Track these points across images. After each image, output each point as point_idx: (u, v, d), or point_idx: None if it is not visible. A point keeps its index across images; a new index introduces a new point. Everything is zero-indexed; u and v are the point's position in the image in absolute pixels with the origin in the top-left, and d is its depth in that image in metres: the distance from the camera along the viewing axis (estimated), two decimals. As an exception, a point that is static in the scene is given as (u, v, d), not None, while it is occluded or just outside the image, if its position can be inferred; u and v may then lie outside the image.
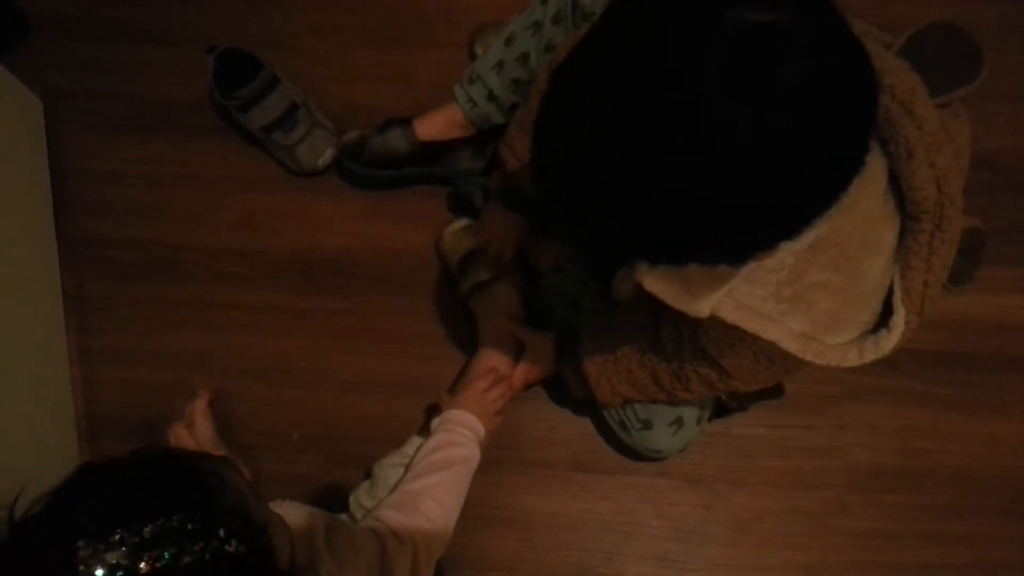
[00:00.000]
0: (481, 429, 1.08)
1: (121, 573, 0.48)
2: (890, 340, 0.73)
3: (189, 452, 0.59)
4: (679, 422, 1.14)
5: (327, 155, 1.30)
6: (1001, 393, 1.29)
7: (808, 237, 0.65)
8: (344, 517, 1.05)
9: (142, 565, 0.48)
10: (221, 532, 0.51)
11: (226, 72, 1.26)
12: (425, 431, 1.11)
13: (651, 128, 0.52)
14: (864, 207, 0.70)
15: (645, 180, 0.53)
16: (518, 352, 1.20)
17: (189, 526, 0.50)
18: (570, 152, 0.57)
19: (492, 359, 1.19)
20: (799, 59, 0.50)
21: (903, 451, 1.28)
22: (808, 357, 0.73)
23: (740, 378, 0.89)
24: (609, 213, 0.57)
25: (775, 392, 1.25)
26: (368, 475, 1.16)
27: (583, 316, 1.18)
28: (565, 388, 1.18)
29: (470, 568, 1.25)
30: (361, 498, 1.10)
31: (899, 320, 0.72)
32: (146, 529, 0.49)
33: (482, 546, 1.25)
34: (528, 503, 1.27)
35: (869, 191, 0.70)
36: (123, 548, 0.48)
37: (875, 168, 0.70)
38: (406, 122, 1.26)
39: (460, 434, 1.06)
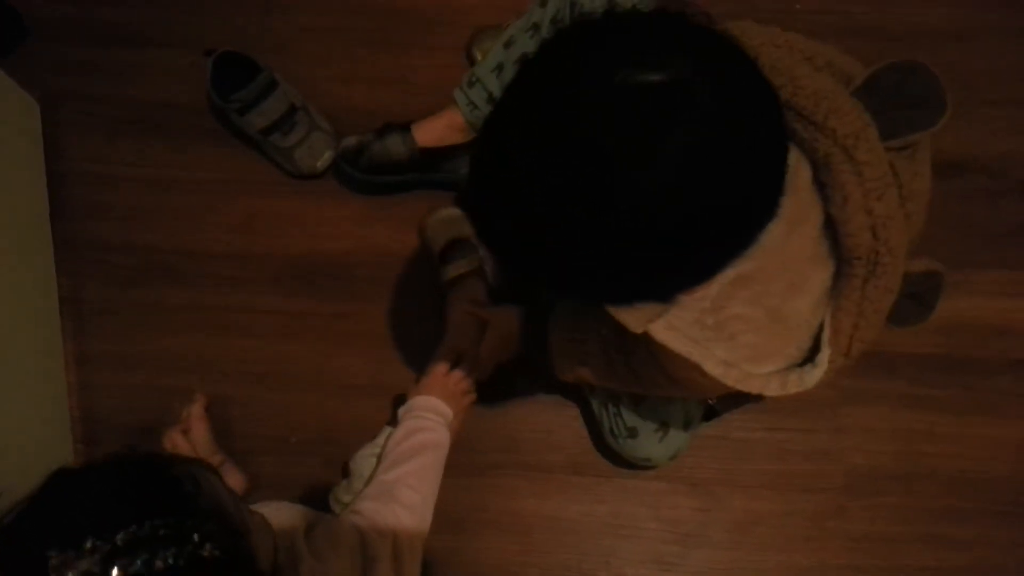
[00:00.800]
0: (448, 411, 1.08)
1: None
2: (813, 376, 0.73)
3: (165, 456, 0.58)
4: (664, 428, 1.15)
5: (325, 158, 1.30)
6: (999, 397, 1.29)
7: (730, 272, 0.65)
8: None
9: (114, 572, 0.47)
10: (195, 537, 0.51)
11: (224, 75, 1.25)
12: (395, 421, 1.11)
13: (561, 181, 0.53)
14: (792, 248, 0.70)
15: (562, 227, 0.55)
16: (481, 335, 1.19)
17: (162, 532, 0.50)
18: (495, 192, 0.59)
19: (453, 342, 1.18)
20: (692, 120, 0.51)
21: (901, 454, 1.28)
22: (730, 382, 0.74)
23: (685, 386, 0.90)
24: (519, 253, 0.60)
25: (755, 396, 1.24)
26: (345, 473, 1.16)
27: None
28: (530, 362, 1.18)
29: (468, 572, 1.25)
30: (340, 495, 1.10)
31: (823, 358, 0.73)
32: (118, 536, 0.48)
33: (480, 550, 1.25)
34: (526, 507, 1.27)
35: (800, 232, 0.70)
36: (95, 556, 0.47)
37: (809, 210, 0.70)
38: (405, 128, 1.26)
39: (427, 419, 1.05)
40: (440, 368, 1.13)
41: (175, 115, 1.37)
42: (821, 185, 0.70)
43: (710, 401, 1.22)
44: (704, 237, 0.55)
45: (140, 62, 1.39)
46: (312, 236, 1.34)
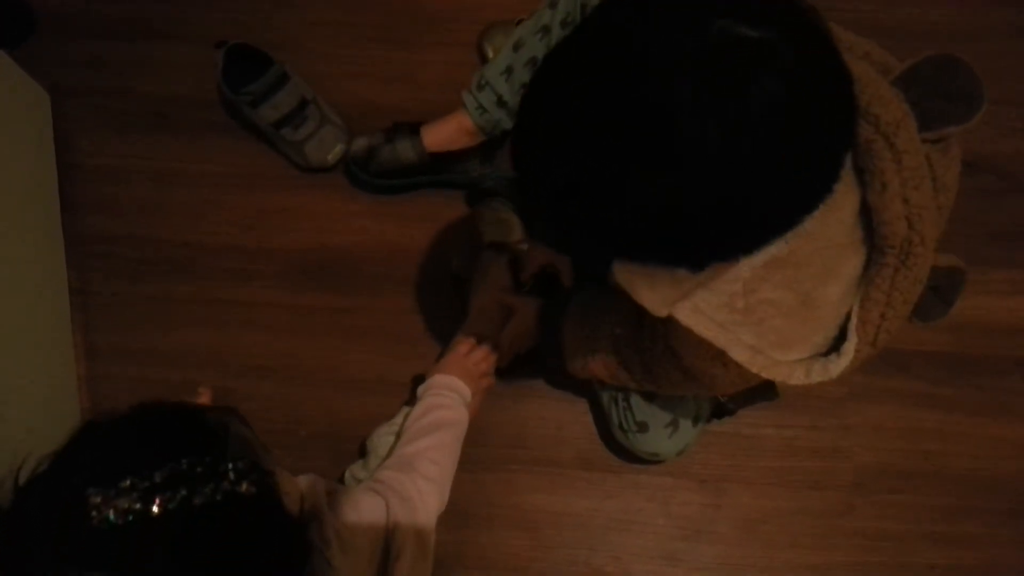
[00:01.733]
0: (467, 391, 1.08)
1: (132, 517, 0.48)
2: (839, 365, 0.73)
3: (194, 404, 0.59)
4: (674, 424, 1.15)
5: (336, 151, 1.30)
6: (1008, 395, 1.29)
7: (765, 254, 0.66)
8: None
9: (154, 507, 0.48)
10: (231, 475, 0.52)
11: (235, 68, 1.26)
12: (412, 400, 1.11)
13: (620, 132, 0.53)
14: (828, 233, 0.70)
15: (611, 182, 0.55)
16: (504, 322, 1.19)
17: (199, 469, 0.50)
18: (542, 146, 0.59)
19: (477, 326, 1.18)
20: (775, 80, 0.51)
21: (910, 452, 1.28)
22: (755, 369, 0.74)
23: (701, 380, 0.90)
24: (576, 209, 0.60)
25: (768, 394, 1.24)
26: (362, 452, 1.16)
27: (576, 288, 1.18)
28: (542, 358, 1.18)
29: (477, 568, 1.24)
30: (356, 472, 1.10)
31: (850, 347, 0.73)
32: (156, 474, 0.49)
33: (488, 544, 1.25)
34: (535, 502, 1.26)
35: (836, 217, 0.70)
36: (134, 493, 0.48)
37: (846, 196, 0.70)
38: (414, 132, 1.25)
39: (446, 396, 1.06)
40: (462, 348, 1.13)
41: (184, 109, 1.37)
42: (859, 171, 0.70)
43: (722, 399, 1.21)
44: (759, 207, 0.55)
45: (149, 56, 1.39)
46: (321, 230, 1.34)
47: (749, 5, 0.53)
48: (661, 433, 1.15)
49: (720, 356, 0.76)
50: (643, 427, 1.15)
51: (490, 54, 1.36)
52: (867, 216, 0.71)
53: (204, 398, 1.14)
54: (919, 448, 1.28)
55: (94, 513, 0.47)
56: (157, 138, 1.37)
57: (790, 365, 0.74)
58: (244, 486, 0.52)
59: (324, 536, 0.76)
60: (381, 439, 1.10)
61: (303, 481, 0.83)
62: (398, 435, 1.05)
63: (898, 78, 0.70)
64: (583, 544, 1.25)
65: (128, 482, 0.48)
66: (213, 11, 1.40)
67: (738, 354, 0.73)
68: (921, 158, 0.69)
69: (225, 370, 1.29)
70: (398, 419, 1.12)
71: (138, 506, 0.48)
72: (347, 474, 1.13)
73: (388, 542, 0.89)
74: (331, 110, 1.33)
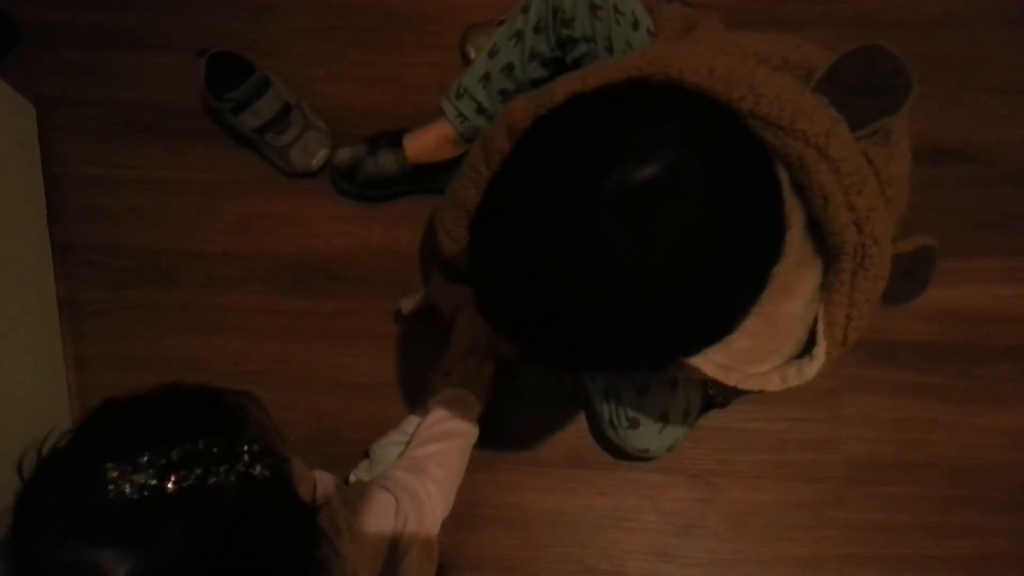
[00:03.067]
0: (477, 406, 1.10)
1: (148, 493, 0.48)
2: (812, 369, 0.74)
3: (213, 386, 0.59)
4: (665, 419, 1.15)
5: (320, 156, 1.30)
6: (998, 384, 1.29)
7: None
8: None
9: (169, 485, 0.49)
10: (246, 457, 0.52)
11: (218, 75, 1.26)
12: (421, 410, 1.12)
13: (559, 272, 0.56)
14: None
15: (552, 314, 0.58)
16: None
17: (215, 450, 0.51)
18: (490, 281, 0.62)
19: (476, 334, 1.19)
20: (685, 209, 0.53)
21: (900, 443, 1.28)
22: (731, 383, 0.75)
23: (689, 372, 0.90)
24: (525, 334, 0.62)
25: None
26: (365, 455, 1.16)
27: None
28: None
29: (469, 567, 1.25)
30: (361, 476, 1.11)
31: (820, 351, 0.74)
32: (173, 452, 0.50)
33: (481, 544, 1.25)
34: (526, 501, 1.27)
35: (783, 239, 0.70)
36: (151, 469, 0.49)
37: (789, 216, 0.69)
38: (396, 143, 1.26)
39: (456, 408, 1.07)
40: (472, 362, 1.14)
41: (169, 117, 1.37)
42: (799, 187, 0.69)
43: (710, 391, 1.22)
44: (717, 300, 0.57)
45: (133, 65, 1.39)
46: (307, 235, 1.34)
47: (637, 142, 0.55)
48: (652, 428, 1.15)
49: (697, 368, 0.76)
50: (634, 423, 1.15)
51: (473, 55, 1.36)
52: (815, 228, 0.71)
53: None
54: (909, 438, 1.28)
55: (111, 487, 0.48)
56: (143, 146, 1.37)
57: (764, 375, 0.75)
58: (258, 469, 0.52)
59: (335, 525, 0.76)
60: (389, 448, 1.10)
61: (315, 474, 0.84)
62: (408, 442, 1.07)
63: (820, 82, 0.70)
64: (576, 542, 1.26)
65: (146, 458, 0.49)
66: (196, 19, 1.40)
67: (711, 371, 0.73)
68: (859, 160, 0.68)
69: (214, 376, 1.27)
70: (407, 427, 1.12)
71: (154, 482, 0.48)
72: (351, 477, 1.14)
73: (396, 539, 0.91)
74: (315, 115, 1.33)
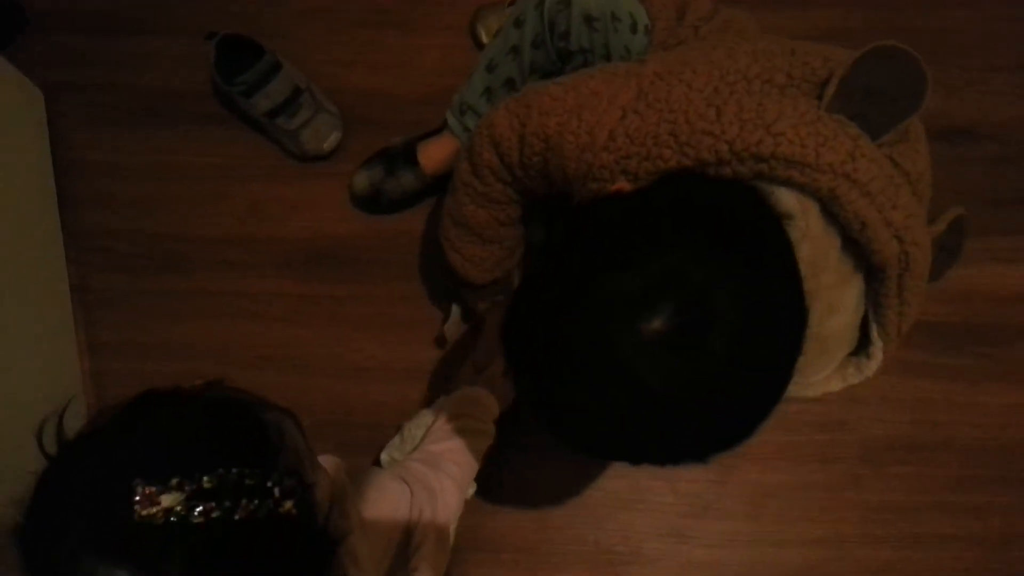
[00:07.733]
0: (496, 409, 1.09)
1: (174, 519, 0.47)
2: (871, 367, 0.76)
3: (257, 398, 0.58)
4: None
5: (331, 139, 1.30)
6: (1013, 364, 1.28)
7: None
8: None
9: (196, 514, 0.47)
10: (276, 492, 0.51)
11: (227, 58, 1.25)
12: (444, 399, 1.11)
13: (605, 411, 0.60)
14: (819, 281, 0.69)
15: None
16: None
17: (247, 481, 0.49)
18: (527, 390, 0.67)
19: (487, 341, 1.18)
20: (716, 349, 0.56)
21: (916, 423, 1.27)
22: (793, 393, 0.75)
23: None
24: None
25: None
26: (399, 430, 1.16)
27: None
28: None
29: (487, 550, 1.25)
30: (393, 454, 1.10)
31: (877, 351, 0.75)
32: (204, 478, 0.48)
33: (498, 528, 1.25)
34: (542, 483, 1.26)
35: (821, 266, 0.69)
36: (179, 493, 0.47)
37: (825, 247, 0.68)
38: (412, 159, 1.26)
39: (474, 408, 1.07)
40: (497, 370, 1.13)
41: (178, 102, 1.37)
42: (832, 216, 0.67)
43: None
44: (749, 404, 0.61)
45: (141, 50, 1.38)
46: (319, 219, 1.33)
47: (642, 291, 0.56)
48: None
49: None
50: None
51: (483, 36, 1.35)
52: (853, 245, 0.69)
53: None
54: (925, 419, 1.27)
55: (137, 507, 0.46)
56: (152, 131, 1.36)
57: (824, 380, 0.76)
58: (287, 505, 0.51)
59: (349, 522, 0.75)
60: (418, 429, 1.10)
61: (328, 463, 0.83)
62: (425, 435, 1.06)
63: (834, 98, 0.67)
64: (591, 523, 1.25)
65: (176, 481, 0.47)
66: (203, 3, 1.39)
67: None
68: (888, 172, 0.66)
69: (227, 361, 1.29)
70: (437, 407, 1.11)
71: (180, 509, 0.47)
72: (384, 455, 1.12)
73: (411, 530, 0.90)
74: (325, 98, 1.32)
